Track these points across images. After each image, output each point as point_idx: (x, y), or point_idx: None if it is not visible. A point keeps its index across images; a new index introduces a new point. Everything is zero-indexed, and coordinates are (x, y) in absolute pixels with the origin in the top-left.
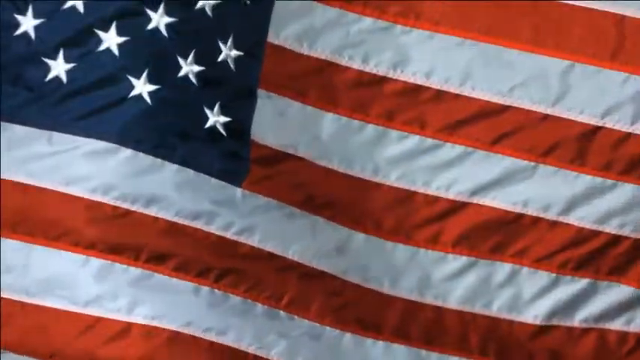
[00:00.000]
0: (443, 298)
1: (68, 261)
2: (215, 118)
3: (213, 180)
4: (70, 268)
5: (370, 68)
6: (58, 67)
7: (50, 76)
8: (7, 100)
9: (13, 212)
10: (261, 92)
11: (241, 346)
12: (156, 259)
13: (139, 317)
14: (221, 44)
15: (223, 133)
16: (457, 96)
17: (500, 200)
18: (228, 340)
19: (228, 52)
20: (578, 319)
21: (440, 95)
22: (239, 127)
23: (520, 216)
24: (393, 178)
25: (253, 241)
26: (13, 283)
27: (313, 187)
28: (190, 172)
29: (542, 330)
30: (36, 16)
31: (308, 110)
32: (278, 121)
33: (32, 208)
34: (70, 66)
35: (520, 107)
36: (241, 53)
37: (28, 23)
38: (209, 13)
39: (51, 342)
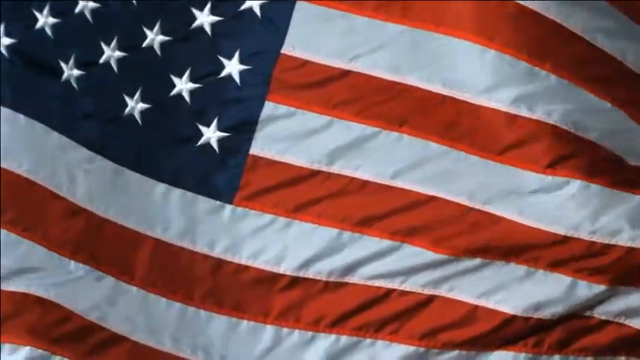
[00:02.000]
0: None
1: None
2: (210, 135)
3: (201, 198)
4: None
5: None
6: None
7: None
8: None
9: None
10: (267, 103)
11: None
12: None
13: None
14: (223, 60)
15: (216, 149)
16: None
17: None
18: None
19: (233, 67)
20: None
21: None
22: (235, 143)
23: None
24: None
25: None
26: None
27: None
28: (177, 191)
29: None
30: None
31: None
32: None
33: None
34: (80, 73)
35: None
36: (249, 67)
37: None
38: (208, 31)
39: None
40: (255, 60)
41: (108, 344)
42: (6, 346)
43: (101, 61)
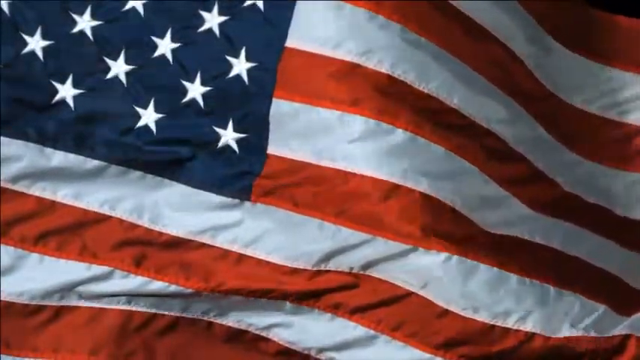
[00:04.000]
0: None
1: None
2: (228, 137)
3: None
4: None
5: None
6: (65, 92)
7: (57, 98)
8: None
9: None
10: (274, 100)
11: None
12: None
13: None
14: (231, 59)
15: (237, 150)
16: None
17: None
18: None
19: (241, 66)
20: None
21: None
22: (253, 143)
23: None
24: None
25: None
26: None
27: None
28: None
29: None
30: (44, 37)
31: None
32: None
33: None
34: (78, 92)
35: None
36: (255, 64)
37: (36, 45)
38: (216, 32)
39: None
40: (261, 56)
41: None
42: None
43: (108, 77)
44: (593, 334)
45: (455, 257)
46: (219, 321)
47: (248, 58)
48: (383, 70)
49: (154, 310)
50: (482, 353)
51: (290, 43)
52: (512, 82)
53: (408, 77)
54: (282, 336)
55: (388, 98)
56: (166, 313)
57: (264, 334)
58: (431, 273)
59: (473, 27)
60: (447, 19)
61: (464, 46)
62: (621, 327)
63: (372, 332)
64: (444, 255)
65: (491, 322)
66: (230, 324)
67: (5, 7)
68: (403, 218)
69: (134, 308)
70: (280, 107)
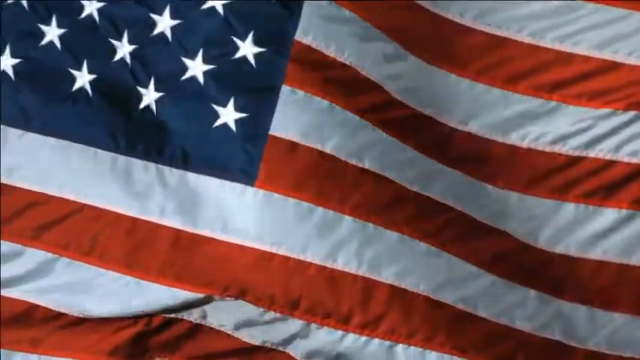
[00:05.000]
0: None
1: None
2: (227, 116)
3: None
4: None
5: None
6: (83, 78)
7: (76, 86)
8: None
9: None
10: (285, 88)
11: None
12: None
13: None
14: (237, 41)
15: (234, 129)
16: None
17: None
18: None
19: (248, 48)
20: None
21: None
22: (254, 123)
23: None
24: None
25: None
26: None
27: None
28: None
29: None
30: (60, 25)
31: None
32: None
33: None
34: (92, 77)
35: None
36: (264, 49)
37: (52, 33)
38: (220, 11)
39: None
40: (270, 42)
41: None
42: None
43: (116, 58)
44: None
45: None
46: None
47: (256, 42)
48: None
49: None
50: None
51: (299, 37)
52: None
53: None
54: None
55: None
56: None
57: None
58: None
59: None
60: None
61: None
62: None
63: None
64: None
65: None
66: None
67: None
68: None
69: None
70: (290, 94)
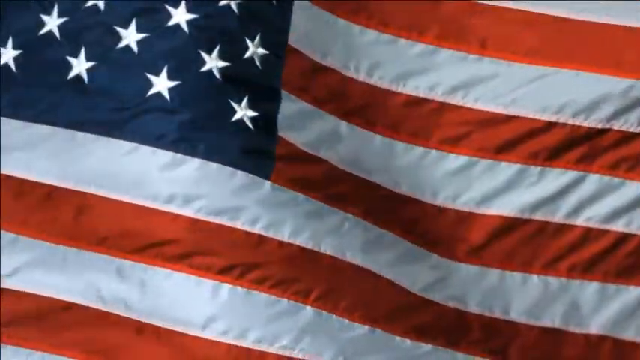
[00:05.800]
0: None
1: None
2: (243, 112)
3: (240, 173)
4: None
5: (374, 81)
6: (80, 66)
7: (71, 74)
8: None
9: None
10: (283, 93)
11: (261, 347)
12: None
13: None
14: (248, 41)
15: (250, 126)
16: (460, 107)
17: (506, 208)
18: (248, 342)
19: (254, 49)
20: (594, 325)
21: (443, 107)
22: (266, 122)
23: (527, 222)
24: (404, 189)
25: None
26: None
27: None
28: (213, 166)
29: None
30: (60, 14)
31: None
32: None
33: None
34: (90, 64)
35: (523, 116)
36: (267, 52)
37: (52, 23)
38: (235, 10)
39: None
40: (272, 46)
41: None
42: None
43: (120, 46)
44: None
45: None
46: None
47: (262, 45)
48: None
49: None
50: None
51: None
52: None
53: None
54: None
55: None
56: None
57: None
58: None
59: None
60: None
61: None
62: None
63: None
64: None
65: None
66: None
67: None
68: None
69: None
70: (285, 100)
